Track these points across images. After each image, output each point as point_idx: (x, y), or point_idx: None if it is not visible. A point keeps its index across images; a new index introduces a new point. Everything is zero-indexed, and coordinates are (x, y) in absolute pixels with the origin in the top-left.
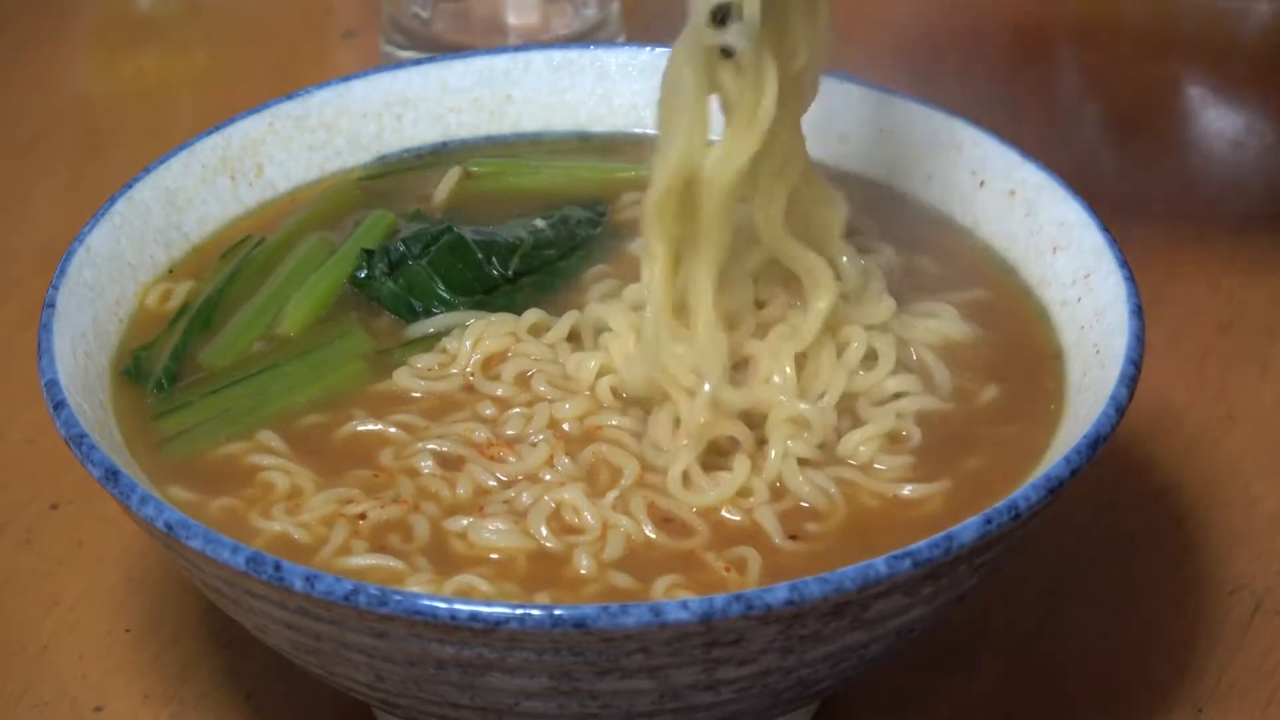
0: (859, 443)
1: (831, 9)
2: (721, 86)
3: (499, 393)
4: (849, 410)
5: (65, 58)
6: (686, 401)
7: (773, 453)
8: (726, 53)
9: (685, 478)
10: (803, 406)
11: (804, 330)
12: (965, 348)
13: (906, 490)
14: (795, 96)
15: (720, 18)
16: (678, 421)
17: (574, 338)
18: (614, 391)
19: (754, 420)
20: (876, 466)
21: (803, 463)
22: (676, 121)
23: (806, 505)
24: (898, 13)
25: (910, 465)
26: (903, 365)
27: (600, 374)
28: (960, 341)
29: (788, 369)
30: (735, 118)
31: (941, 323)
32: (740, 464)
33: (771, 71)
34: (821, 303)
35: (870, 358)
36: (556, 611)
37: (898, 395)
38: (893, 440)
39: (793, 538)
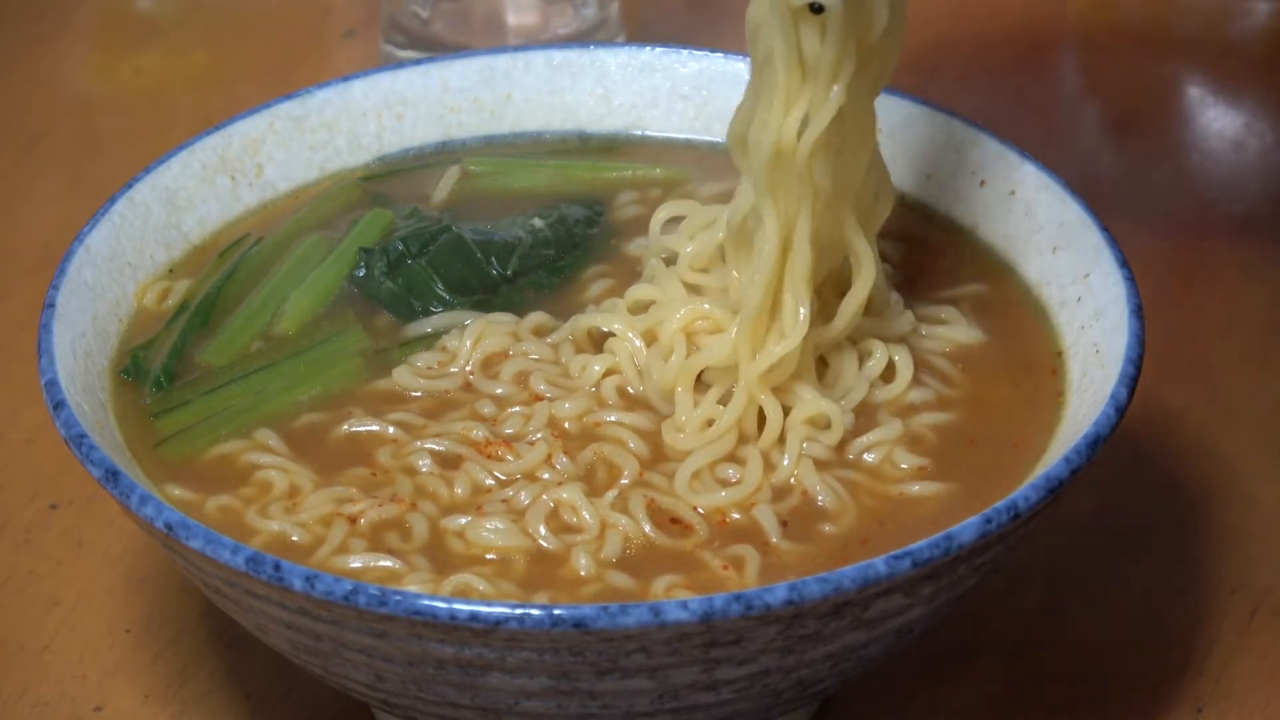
0: (867, 447)
1: None
2: (803, 49)
3: (499, 391)
4: (866, 417)
5: (65, 57)
6: (749, 362)
7: (787, 456)
8: (815, 9)
9: (694, 475)
10: (825, 404)
11: (840, 316)
12: (968, 348)
13: (905, 490)
14: (872, 64)
15: None
16: (708, 422)
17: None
18: (619, 391)
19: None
20: (880, 466)
21: (815, 464)
22: (770, 93)
23: (821, 504)
24: None
25: (910, 467)
26: (918, 377)
27: (606, 374)
28: (968, 345)
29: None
30: (814, 82)
31: (950, 329)
32: (754, 463)
33: (851, 34)
34: (861, 291)
35: (889, 369)
36: (556, 611)
37: (914, 407)
38: (898, 443)
39: (792, 535)
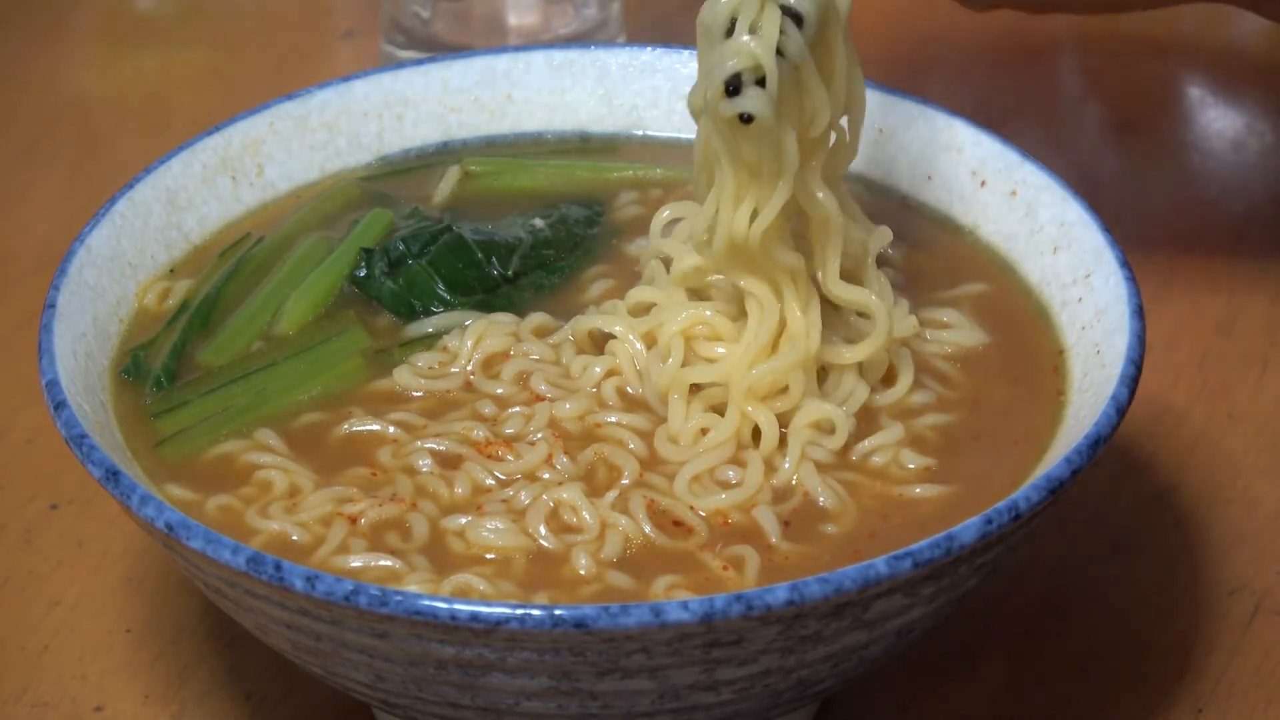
0: (869, 450)
1: (852, 72)
2: (742, 153)
3: (499, 391)
4: (868, 421)
5: (65, 58)
6: (743, 374)
7: (788, 459)
8: (745, 119)
9: (694, 478)
10: (829, 408)
11: (853, 352)
12: (969, 349)
13: (906, 491)
14: (822, 156)
15: (733, 88)
16: (702, 432)
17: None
18: (619, 392)
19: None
20: (881, 467)
21: (817, 465)
22: (720, 187)
23: (822, 505)
24: (898, 13)
25: (911, 467)
26: (919, 378)
27: (607, 375)
28: (970, 347)
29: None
30: (759, 181)
31: (952, 332)
32: (754, 465)
33: (790, 136)
34: (879, 339)
35: (890, 372)
36: (557, 612)
37: (915, 409)
38: (900, 445)
39: (792, 536)
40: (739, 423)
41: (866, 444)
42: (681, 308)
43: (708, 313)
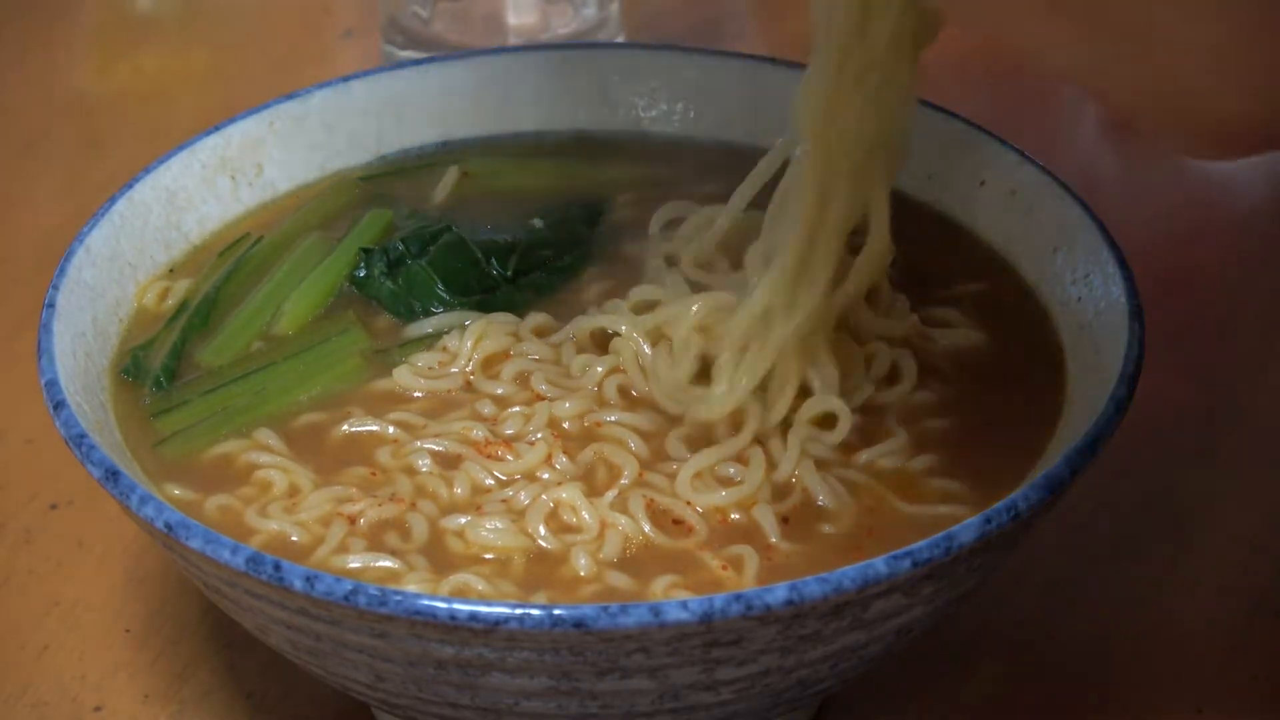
0: (880, 455)
1: None
2: None
3: (499, 391)
4: (870, 419)
5: (65, 57)
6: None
7: (788, 456)
8: None
9: (696, 474)
10: (835, 402)
11: (856, 273)
12: (969, 350)
13: (905, 490)
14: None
15: None
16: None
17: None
18: (620, 391)
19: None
20: (881, 466)
21: (816, 464)
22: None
23: (821, 504)
24: None
25: (910, 467)
26: (920, 378)
27: (609, 374)
28: (969, 347)
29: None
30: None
31: (952, 331)
32: (755, 463)
33: None
34: (878, 245)
35: (893, 371)
36: (556, 611)
37: (916, 409)
38: (900, 444)
39: (791, 535)
40: (773, 365)
41: (869, 452)
42: (691, 301)
43: (720, 296)
